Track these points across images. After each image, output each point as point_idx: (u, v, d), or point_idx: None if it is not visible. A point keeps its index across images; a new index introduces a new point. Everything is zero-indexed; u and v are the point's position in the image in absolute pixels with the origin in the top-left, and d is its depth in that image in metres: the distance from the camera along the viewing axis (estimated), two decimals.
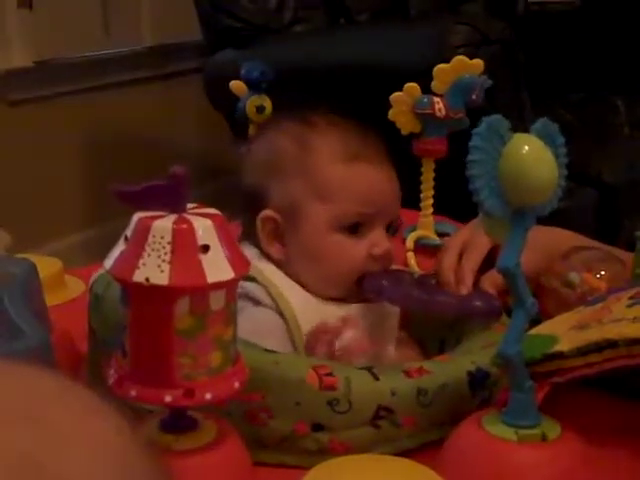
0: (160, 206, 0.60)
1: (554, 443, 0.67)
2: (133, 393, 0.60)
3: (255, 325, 0.77)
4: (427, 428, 0.73)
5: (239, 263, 0.61)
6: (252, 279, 0.79)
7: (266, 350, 0.73)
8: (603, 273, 0.85)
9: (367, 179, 0.82)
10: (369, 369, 0.73)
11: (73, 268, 1.14)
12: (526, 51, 1.84)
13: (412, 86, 1.12)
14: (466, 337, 0.83)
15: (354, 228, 0.82)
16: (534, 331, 0.75)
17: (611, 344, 0.68)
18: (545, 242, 0.88)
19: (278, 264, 0.83)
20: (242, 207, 0.87)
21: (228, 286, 0.61)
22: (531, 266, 0.75)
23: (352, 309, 0.83)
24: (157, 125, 2.76)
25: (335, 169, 0.82)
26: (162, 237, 0.58)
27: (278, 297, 0.80)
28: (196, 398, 0.60)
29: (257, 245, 0.84)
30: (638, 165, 1.96)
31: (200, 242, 0.59)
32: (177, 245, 0.58)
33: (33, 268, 0.84)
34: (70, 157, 2.50)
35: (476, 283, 0.88)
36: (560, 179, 0.64)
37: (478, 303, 0.83)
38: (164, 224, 0.59)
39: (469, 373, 0.75)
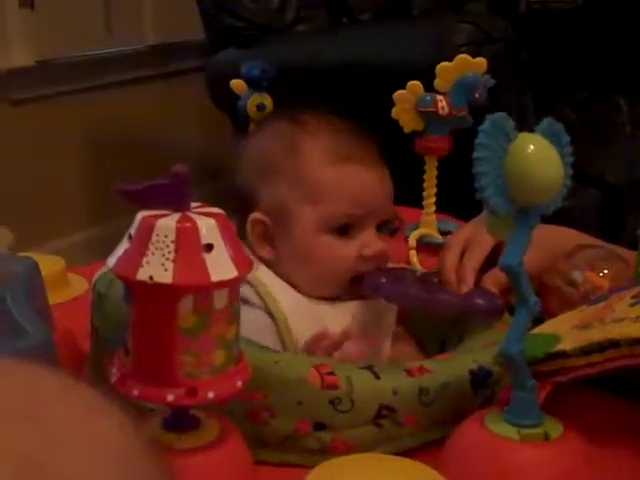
0: (164, 205, 0.60)
1: (556, 442, 0.67)
2: (135, 392, 0.60)
3: (243, 324, 0.77)
4: (429, 427, 0.73)
5: (242, 262, 0.61)
6: None
7: (267, 349, 0.73)
8: (606, 272, 0.85)
9: (357, 180, 0.82)
10: (370, 368, 0.73)
11: (76, 266, 1.15)
12: (528, 50, 1.84)
13: (415, 84, 1.12)
14: (468, 336, 0.83)
15: (343, 229, 0.82)
16: (537, 330, 0.75)
17: (613, 344, 0.67)
18: (549, 241, 0.88)
19: (269, 265, 0.83)
20: (235, 207, 0.87)
21: (231, 285, 0.61)
22: (534, 264, 0.75)
23: (347, 307, 0.83)
24: (159, 124, 2.76)
25: (324, 171, 0.82)
26: (166, 236, 0.58)
27: (266, 296, 0.80)
28: (199, 397, 0.60)
29: (249, 245, 0.83)
30: None
31: (204, 241, 0.59)
32: (181, 244, 0.58)
33: (35, 266, 0.84)
34: (72, 156, 2.50)
35: (478, 281, 0.88)
36: (565, 178, 0.64)
37: (480, 301, 0.83)
38: (168, 223, 0.59)
39: (471, 372, 0.74)
